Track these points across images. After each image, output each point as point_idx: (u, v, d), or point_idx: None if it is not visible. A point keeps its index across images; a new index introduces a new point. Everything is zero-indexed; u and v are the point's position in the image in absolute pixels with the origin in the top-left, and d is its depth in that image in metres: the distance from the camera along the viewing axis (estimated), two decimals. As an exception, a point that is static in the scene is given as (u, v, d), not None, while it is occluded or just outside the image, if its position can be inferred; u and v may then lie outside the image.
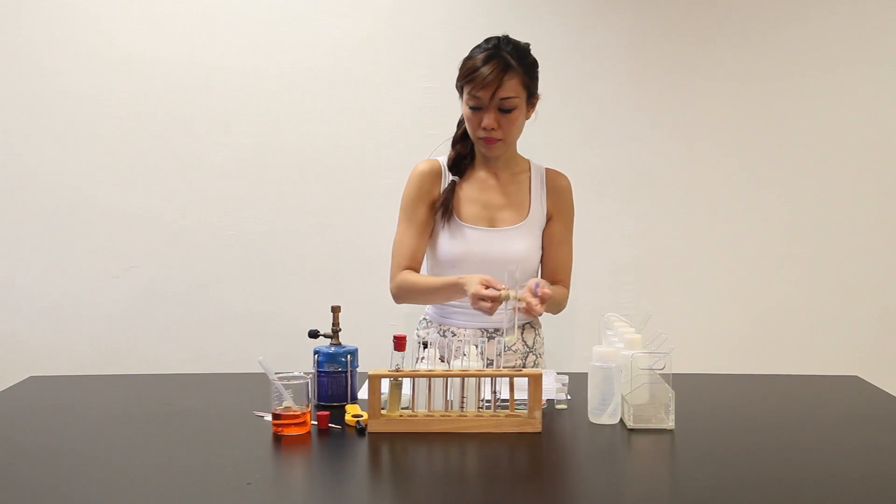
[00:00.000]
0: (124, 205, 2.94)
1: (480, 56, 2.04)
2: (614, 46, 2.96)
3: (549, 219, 2.20)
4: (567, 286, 2.22)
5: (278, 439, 1.59)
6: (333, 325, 1.85)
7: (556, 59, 2.96)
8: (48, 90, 2.91)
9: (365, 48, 2.94)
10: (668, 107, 2.98)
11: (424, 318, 2.25)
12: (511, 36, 2.09)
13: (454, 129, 2.21)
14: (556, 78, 2.97)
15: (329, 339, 1.84)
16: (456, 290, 1.99)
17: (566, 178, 2.23)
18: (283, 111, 2.94)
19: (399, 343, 1.67)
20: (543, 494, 1.38)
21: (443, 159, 2.20)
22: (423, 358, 1.74)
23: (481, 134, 2.07)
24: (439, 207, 2.14)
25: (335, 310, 1.86)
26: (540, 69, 2.12)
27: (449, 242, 2.13)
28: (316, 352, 1.82)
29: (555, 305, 2.15)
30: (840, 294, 3.01)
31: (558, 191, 2.20)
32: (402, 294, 2.13)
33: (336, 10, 2.92)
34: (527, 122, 2.13)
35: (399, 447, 1.57)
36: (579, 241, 3.03)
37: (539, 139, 2.99)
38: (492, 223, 2.15)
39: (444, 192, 2.15)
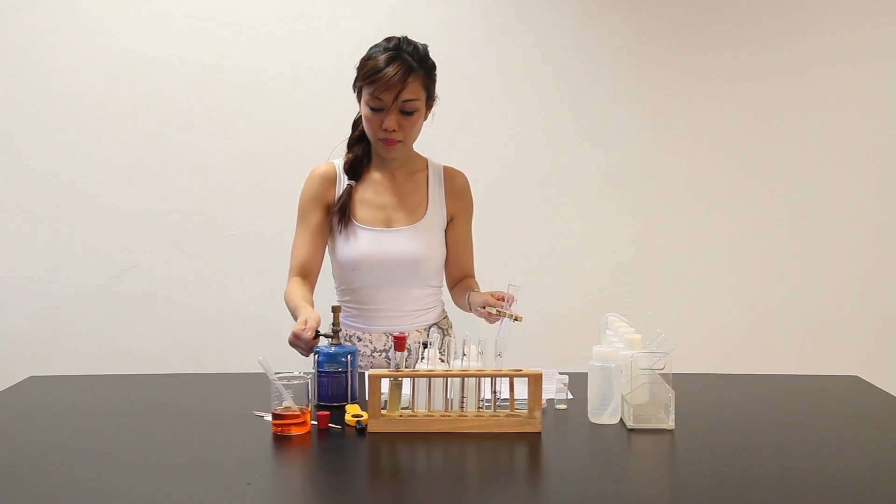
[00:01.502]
0: (124, 205, 2.94)
1: (382, 57, 2.03)
2: (614, 46, 2.96)
3: (451, 219, 2.21)
4: (474, 276, 2.26)
5: (278, 439, 1.59)
6: (333, 325, 1.85)
7: (557, 59, 2.96)
8: (49, 90, 2.91)
9: (365, 48, 2.92)
10: (669, 107, 2.98)
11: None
12: (409, 37, 2.09)
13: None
14: (556, 78, 2.97)
15: (329, 340, 1.84)
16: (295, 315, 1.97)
17: (463, 175, 2.25)
18: (283, 111, 2.94)
19: (399, 343, 1.67)
20: (543, 494, 1.38)
21: (338, 162, 2.21)
22: (423, 358, 1.74)
23: (381, 135, 2.07)
24: (336, 212, 2.15)
25: (335, 310, 1.86)
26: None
27: (345, 245, 2.14)
28: (316, 352, 1.82)
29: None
30: (840, 294, 3.01)
31: (458, 191, 2.22)
32: (285, 302, 2.10)
33: (336, 10, 2.93)
34: (425, 123, 2.14)
35: (399, 447, 1.57)
36: (579, 241, 3.04)
37: (539, 139, 3.00)
38: (387, 224, 2.15)
39: (340, 196, 2.16)
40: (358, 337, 2.15)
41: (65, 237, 2.95)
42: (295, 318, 2.00)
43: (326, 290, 2.25)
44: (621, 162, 2.99)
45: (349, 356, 1.81)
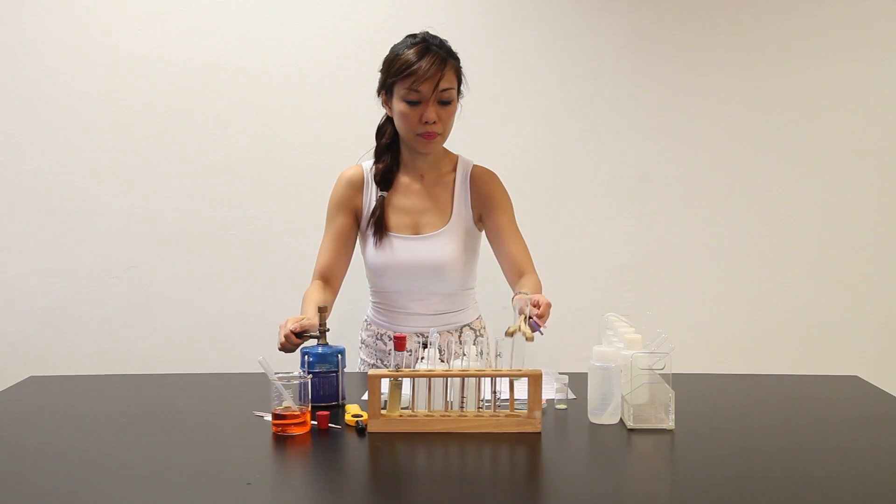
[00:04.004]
0: (124, 205, 2.94)
1: (412, 51, 2.04)
2: (615, 46, 2.96)
3: (480, 217, 2.18)
4: (532, 269, 2.14)
5: (278, 439, 1.59)
6: (320, 325, 1.84)
7: (557, 59, 2.96)
8: (48, 90, 2.91)
9: (365, 48, 2.93)
10: (669, 106, 2.98)
11: (365, 320, 2.26)
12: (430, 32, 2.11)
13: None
14: (557, 77, 2.97)
15: (316, 340, 1.84)
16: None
17: (491, 171, 2.21)
18: (283, 111, 2.94)
19: (399, 343, 1.67)
20: (543, 494, 1.38)
21: (367, 165, 2.19)
22: (422, 358, 1.74)
23: (420, 130, 2.05)
24: (371, 224, 2.13)
25: (321, 311, 1.86)
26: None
27: (374, 252, 2.13)
28: (305, 353, 1.81)
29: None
30: (840, 294, 3.01)
31: (482, 185, 2.17)
32: None
33: (336, 11, 2.92)
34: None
35: (399, 447, 1.57)
36: (579, 241, 3.04)
37: (540, 139, 2.99)
38: (416, 230, 2.13)
39: (374, 209, 2.13)
40: (389, 336, 2.15)
41: (65, 237, 2.95)
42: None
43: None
44: (621, 162, 2.99)
45: (339, 356, 1.81)
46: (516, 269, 2.14)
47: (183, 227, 2.96)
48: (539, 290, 2.09)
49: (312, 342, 1.84)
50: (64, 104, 2.91)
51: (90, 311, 2.96)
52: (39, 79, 2.91)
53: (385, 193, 2.15)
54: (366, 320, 2.26)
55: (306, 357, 1.80)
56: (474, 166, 2.20)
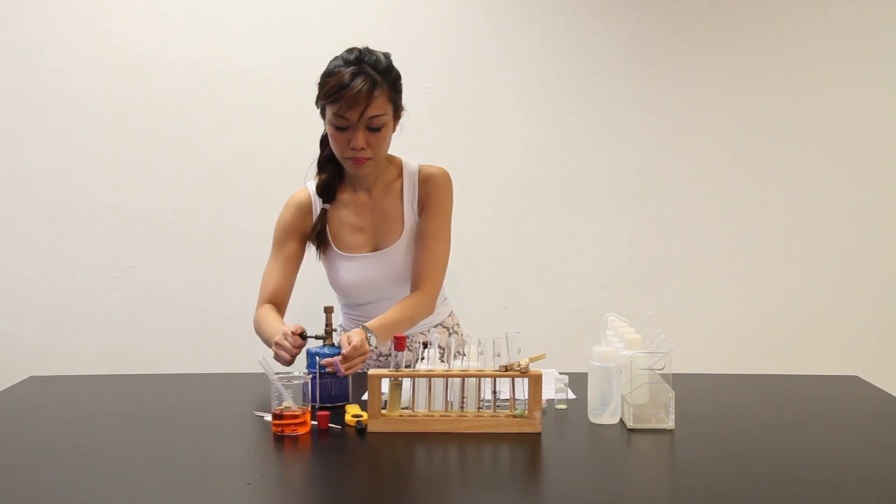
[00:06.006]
0: (124, 205, 2.94)
1: (346, 73, 1.91)
2: (615, 46, 2.96)
3: (420, 213, 2.10)
4: (428, 289, 2.04)
5: (278, 439, 1.59)
6: (326, 325, 1.84)
7: (558, 59, 2.96)
8: (48, 90, 2.91)
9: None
10: (669, 106, 2.98)
11: (340, 325, 2.25)
12: (371, 48, 1.98)
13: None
14: (557, 77, 2.97)
15: (322, 341, 1.83)
16: (269, 342, 1.93)
17: (439, 170, 2.10)
18: (283, 111, 2.94)
19: (399, 343, 1.67)
20: (543, 494, 1.38)
21: (312, 185, 2.13)
22: (423, 358, 1.74)
23: (349, 154, 1.97)
24: (314, 240, 2.09)
25: (328, 310, 1.85)
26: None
27: (333, 274, 2.11)
28: (313, 353, 1.81)
29: (412, 324, 2.02)
30: (840, 294, 3.01)
31: (426, 183, 2.09)
32: (256, 329, 2.08)
33: (336, 11, 2.93)
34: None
35: (399, 447, 1.57)
36: (580, 240, 3.04)
37: (540, 139, 3.00)
38: (375, 246, 2.09)
39: (315, 222, 2.09)
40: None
41: (65, 237, 2.95)
42: (268, 343, 1.94)
43: (330, 289, 2.24)
44: (621, 162, 2.99)
45: None
46: (415, 278, 2.07)
47: (183, 227, 2.96)
48: (407, 321, 1.99)
49: (316, 344, 1.83)
50: (64, 104, 2.92)
51: (90, 311, 2.96)
52: (39, 79, 2.91)
53: (327, 206, 2.10)
54: (340, 325, 2.26)
55: (316, 358, 1.79)
56: (421, 167, 2.12)
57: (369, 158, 1.98)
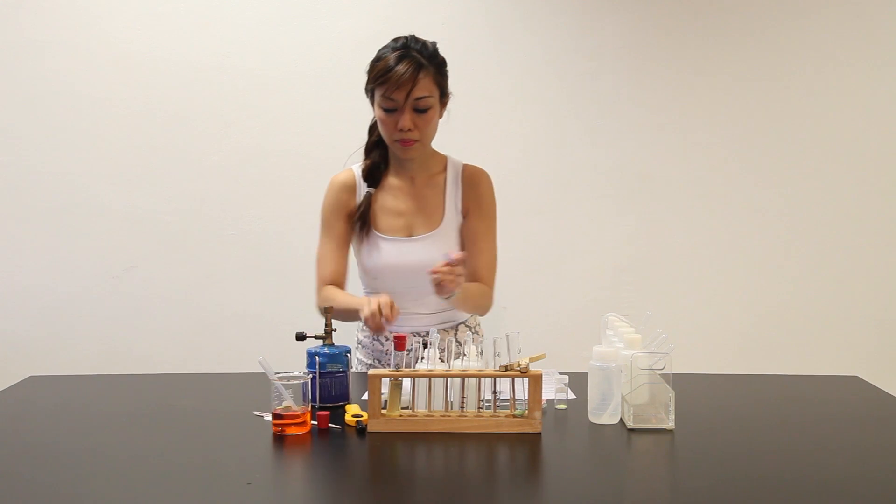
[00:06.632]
0: (124, 205, 2.94)
1: (392, 56, 2.00)
2: (614, 46, 2.96)
3: (465, 216, 2.16)
4: (489, 285, 2.15)
5: (278, 439, 1.59)
6: (326, 325, 1.84)
7: (557, 59, 2.96)
8: (48, 90, 2.91)
9: (365, 48, 2.92)
10: (669, 106, 2.98)
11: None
12: (417, 36, 2.06)
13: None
14: (556, 77, 2.97)
15: (321, 341, 1.83)
16: (355, 314, 1.97)
17: (483, 172, 2.19)
18: (283, 111, 2.94)
19: (399, 343, 1.67)
20: (543, 494, 1.38)
21: (357, 168, 2.18)
22: (423, 358, 1.74)
23: (397, 136, 2.04)
24: (357, 221, 2.13)
25: (328, 310, 1.85)
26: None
27: (367, 255, 2.13)
28: (313, 354, 1.80)
29: (475, 306, 2.14)
30: (840, 294, 3.01)
31: (472, 185, 2.16)
32: (324, 308, 2.08)
33: (336, 11, 2.93)
34: (442, 121, 2.11)
35: (399, 447, 1.57)
36: (580, 240, 3.04)
37: (540, 138, 3.00)
38: (409, 232, 2.13)
39: (359, 204, 2.13)
40: (385, 336, 2.15)
41: (65, 237, 2.95)
42: (345, 318, 2.03)
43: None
44: (621, 162, 2.99)
45: (347, 355, 1.81)
46: (473, 278, 2.13)
47: (183, 227, 2.96)
48: (477, 293, 2.12)
49: (315, 344, 1.83)
50: (64, 104, 2.92)
51: (90, 311, 2.96)
52: (39, 79, 2.91)
53: (372, 190, 2.14)
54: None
55: (316, 358, 1.79)
56: (465, 165, 2.19)
57: (417, 140, 2.05)
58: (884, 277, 3.01)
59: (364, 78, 2.09)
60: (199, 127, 2.94)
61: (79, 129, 2.93)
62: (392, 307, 1.88)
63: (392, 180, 2.17)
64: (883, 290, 3.01)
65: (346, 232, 2.16)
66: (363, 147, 2.19)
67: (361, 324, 2.26)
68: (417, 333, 2.13)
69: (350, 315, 2.03)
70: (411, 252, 2.11)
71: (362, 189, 2.16)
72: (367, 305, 1.88)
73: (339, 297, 2.08)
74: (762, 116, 2.98)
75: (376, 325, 1.88)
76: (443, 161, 2.19)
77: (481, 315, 2.23)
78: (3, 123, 2.93)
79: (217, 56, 2.92)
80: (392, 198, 2.15)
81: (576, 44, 2.96)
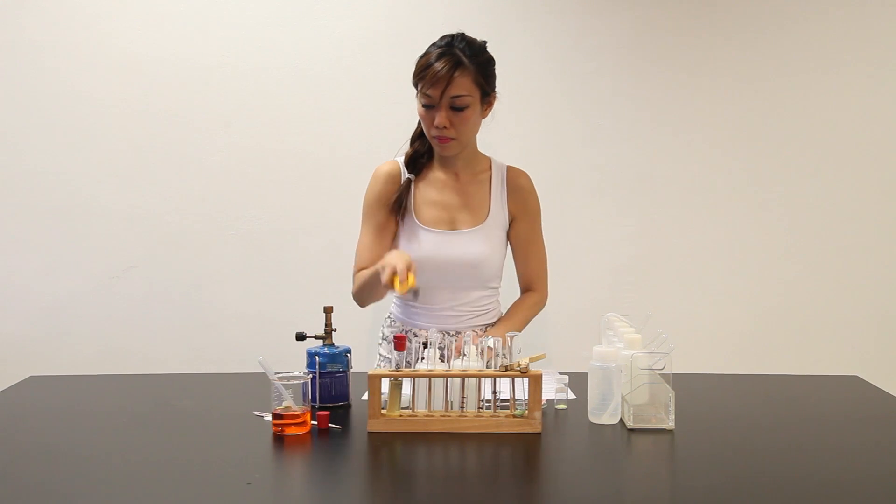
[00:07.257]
0: (124, 205, 2.94)
1: (434, 53, 2.02)
2: (614, 46, 2.96)
3: (512, 220, 2.18)
4: (542, 289, 2.24)
5: (278, 439, 1.59)
6: (326, 325, 1.84)
7: (557, 59, 2.96)
8: (48, 90, 2.91)
9: (365, 48, 2.94)
10: (669, 106, 2.98)
11: (388, 317, 2.25)
12: (465, 34, 2.07)
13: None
14: (556, 77, 2.97)
15: (321, 341, 1.83)
16: (378, 280, 1.89)
17: (526, 175, 2.21)
18: (282, 111, 2.94)
19: (399, 343, 1.67)
20: (543, 494, 1.38)
21: (401, 159, 2.19)
22: (423, 358, 1.74)
23: (434, 133, 2.05)
24: (395, 207, 2.13)
25: (327, 310, 1.85)
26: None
27: (407, 245, 2.12)
28: (314, 353, 1.80)
29: (533, 316, 2.23)
30: (840, 294, 3.01)
31: (519, 190, 2.18)
32: (357, 294, 2.13)
33: (336, 11, 2.92)
34: (487, 120, 2.11)
35: (399, 447, 1.57)
36: (579, 241, 3.04)
37: (540, 139, 2.99)
38: (451, 225, 2.13)
39: (398, 190, 2.13)
40: (414, 333, 2.14)
41: (65, 237, 2.95)
42: (372, 293, 2.05)
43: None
44: (621, 162, 2.99)
45: (347, 355, 1.81)
46: (526, 281, 2.23)
47: (183, 227, 2.96)
48: (530, 314, 2.21)
49: (315, 344, 1.83)
50: (64, 104, 2.92)
51: (90, 311, 2.96)
52: (39, 79, 2.91)
53: (412, 177, 2.14)
54: (389, 317, 2.25)
55: (316, 358, 1.79)
56: (509, 167, 2.20)
57: (453, 138, 2.05)
58: (884, 277, 3.01)
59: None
60: (199, 127, 2.94)
61: (79, 129, 2.93)
62: (410, 264, 1.83)
63: (437, 174, 2.17)
64: (883, 290, 3.01)
65: (386, 222, 2.14)
66: (404, 145, 2.20)
67: (388, 319, 2.25)
68: (447, 332, 2.12)
69: (375, 286, 1.97)
70: (453, 244, 2.11)
71: (405, 178, 2.16)
72: (386, 266, 1.82)
73: (364, 275, 2.07)
74: (762, 117, 2.98)
75: (389, 277, 1.80)
76: (487, 160, 2.20)
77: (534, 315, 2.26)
78: (3, 123, 2.92)
79: (217, 56, 2.92)
80: (436, 191, 2.15)
81: (576, 44, 2.96)
